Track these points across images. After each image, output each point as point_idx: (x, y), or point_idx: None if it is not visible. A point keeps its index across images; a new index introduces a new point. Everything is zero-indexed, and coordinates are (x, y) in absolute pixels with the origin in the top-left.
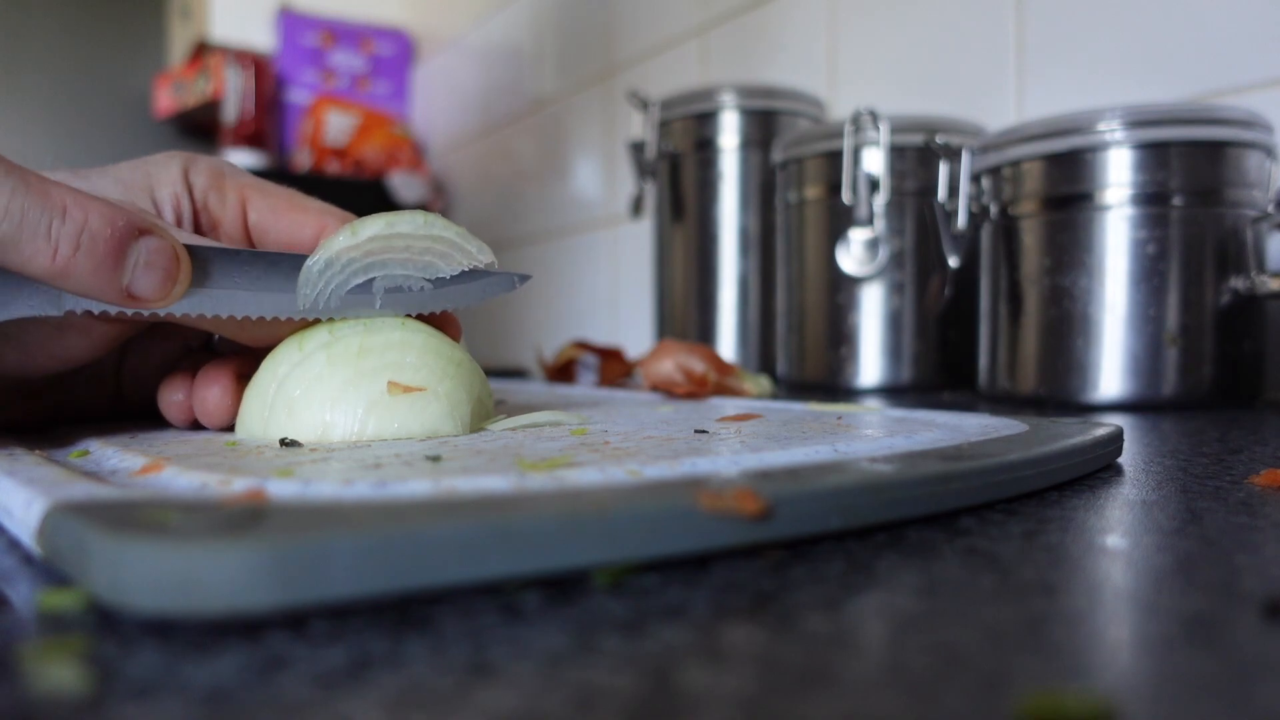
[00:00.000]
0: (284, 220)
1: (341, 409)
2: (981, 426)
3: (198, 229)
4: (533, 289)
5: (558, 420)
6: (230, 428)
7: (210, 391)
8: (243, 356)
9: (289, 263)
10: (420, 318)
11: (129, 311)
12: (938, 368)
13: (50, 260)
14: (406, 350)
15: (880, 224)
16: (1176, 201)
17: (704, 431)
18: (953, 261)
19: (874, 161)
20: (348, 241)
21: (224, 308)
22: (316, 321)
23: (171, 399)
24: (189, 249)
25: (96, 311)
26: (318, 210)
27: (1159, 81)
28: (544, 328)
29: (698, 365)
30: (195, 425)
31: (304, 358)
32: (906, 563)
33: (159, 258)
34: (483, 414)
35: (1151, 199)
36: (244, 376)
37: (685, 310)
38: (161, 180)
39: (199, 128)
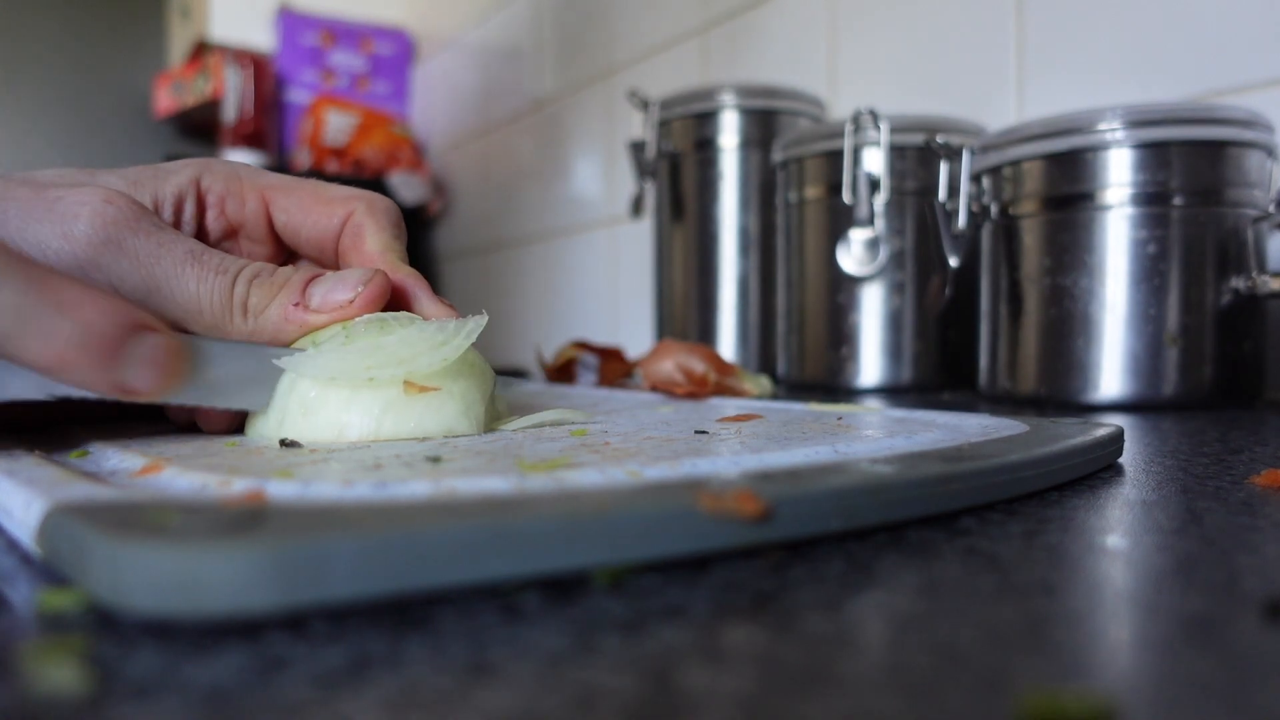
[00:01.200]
0: (311, 216)
1: (357, 409)
2: (982, 427)
3: (202, 233)
4: (533, 289)
5: (570, 419)
6: (229, 433)
7: None
8: None
9: (284, 357)
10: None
11: (123, 399)
12: (938, 368)
13: (49, 356)
14: (417, 346)
15: (880, 224)
16: (1177, 201)
17: (704, 432)
18: (953, 261)
19: (874, 161)
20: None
21: (210, 399)
22: None
23: None
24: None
25: (84, 398)
26: (342, 199)
27: (1159, 81)
28: (544, 328)
29: (698, 365)
30: (194, 426)
31: (318, 355)
32: (906, 563)
33: (157, 354)
34: (494, 414)
35: (1152, 199)
36: None
37: (685, 310)
38: (169, 181)
39: (199, 127)
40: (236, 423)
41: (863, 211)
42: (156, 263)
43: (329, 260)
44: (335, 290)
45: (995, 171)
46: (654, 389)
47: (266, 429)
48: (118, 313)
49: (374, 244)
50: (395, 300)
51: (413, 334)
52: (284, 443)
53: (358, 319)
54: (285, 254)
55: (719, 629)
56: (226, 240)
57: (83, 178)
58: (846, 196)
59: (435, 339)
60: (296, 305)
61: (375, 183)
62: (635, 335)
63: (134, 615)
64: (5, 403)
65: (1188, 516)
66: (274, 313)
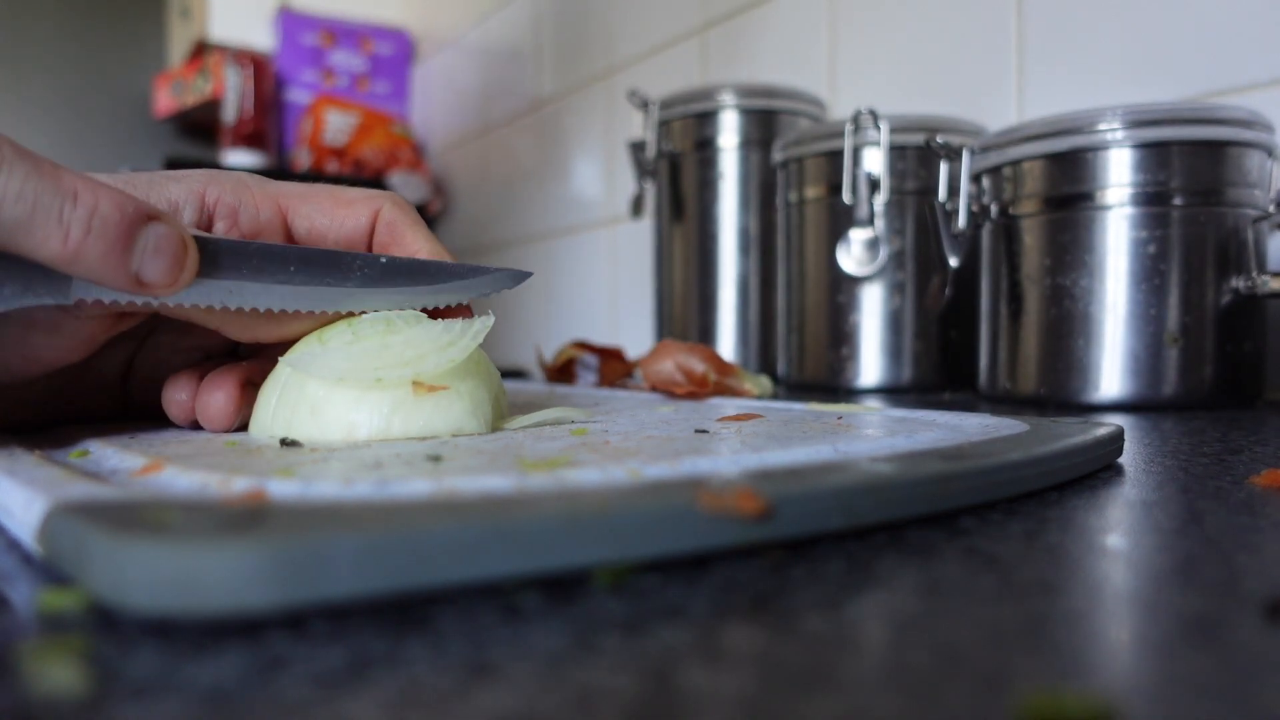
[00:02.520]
0: (336, 219)
1: (366, 409)
2: (982, 426)
3: None
4: (532, 289)
5: (574, 417)
6: (230, 432)
7: (214, 396)
8: (253, 363)
9: (296, 255)
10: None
11: (139, 301)
12: (938, 368)
13: (62, 244)
14: (424, 347)
15: (880, 224)
16: (1177, 201)
17: (704, 431)
18: (953, 261)
19: (874, 161)
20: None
21: (232, 299)
22: (324, 315)
23: (175, 398)
24: (197, 240)
25: (107, 300)
26: (364, 198)
27: (1159, 81)
28: (544, 328)
29: (698, 365)
30: (196, 425)
31: (326, 354)
32: (906, 563)
33: (167, 243)
34: (499, 413)
35: (1152, 199)
36: (252, 383)
37: (685, 310)
38: (166, 188)
39: (198, 127)
40: (239, 421)
41: (863, 211)
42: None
43: None
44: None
45: (995, 171)
46: (654, 389)
47: (274, 428)
48: (127, 201)
49: (418, 240)
50: None
51: (419, 334)
52: (284, 442)
53: (363, 317)
54: None
55: (719, 629)
56: None
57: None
58: (846, 196)
59: (442, 340)
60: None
61: (375, 183)
62: (635, 335)
63: (134, 614)
64: (23, 308)
65: (1188, 516)
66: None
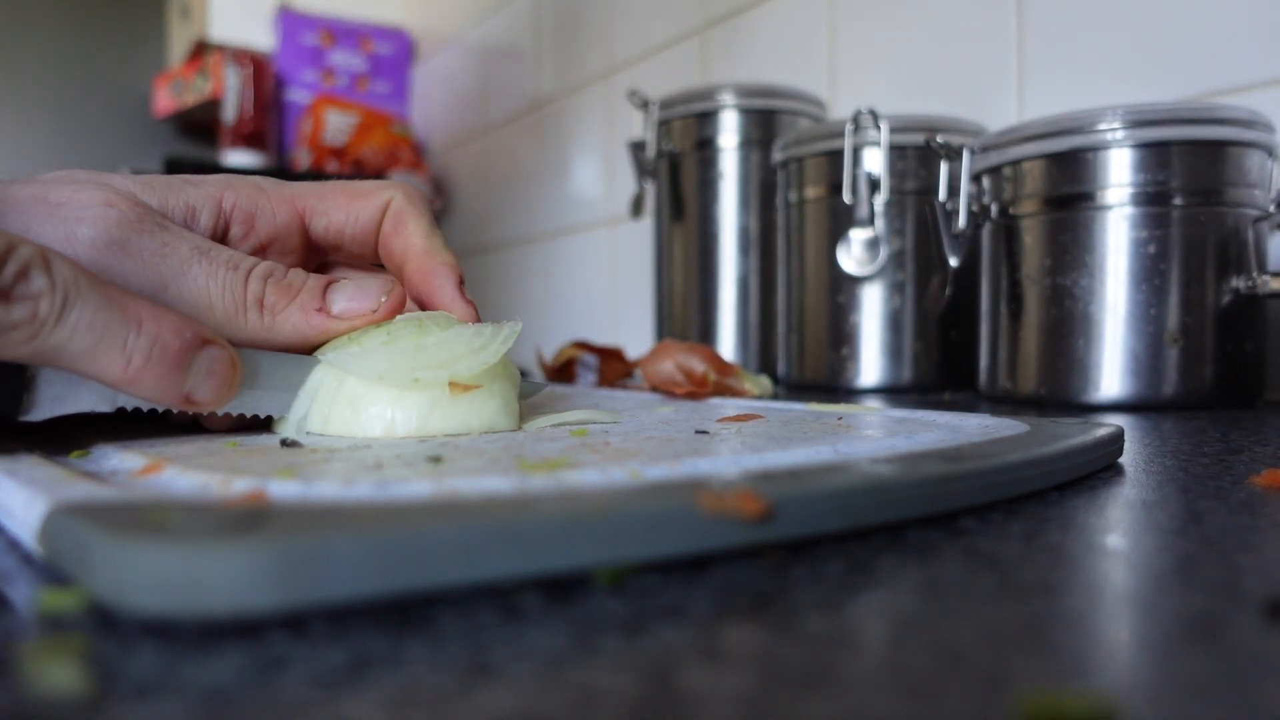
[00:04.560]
0: (351, 213)
1: (403, 406)
2: (982, 427)
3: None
4: (533, 289)
5: (595, 418)
6: (230, 432)
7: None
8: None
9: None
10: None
11: (175, 409)
12: (938, 368)
13: (123, 370)
14: (457, 349)
15: (880, 224)
16: (1177, 201)
17: (704, 432)
18: (953, 261)
19: (874, 161)
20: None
21: (264, 408)
22: None
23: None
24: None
25: (145, 409)
26: (376, 189)
27: (1159, 81)
28: (544, 328)
29: (698, 365)
30: (195, 426)
31: (364, 355)
32: (906, 563)
33: (219, 366)
34: (519, 413)
35: (1152, 199)
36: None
37: (685, 310)
38: (183, 192)
39: (198, 127)
40: (240, 422)
41: (863, 211)
42: (163, 260)
43: (369, 251)
44: (358, 299)
45: (995, 171)
46: (654, 389)
47: (310, 424)
48: (186, 328)
49: (417, 231)
50: (424, 290)
51: (451, 337)
52: (285, 442)
53: (396, 319)
54: (314, 264)
55: (719, 629)
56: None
57: (84, 176)
58: (846, 196)
59: (474, 343)
60: (319, 310)
61: None
62: (635, 335)
63: (135, 615)
64: (71, 415)
65: (1188, 516)
66: (294, 315)
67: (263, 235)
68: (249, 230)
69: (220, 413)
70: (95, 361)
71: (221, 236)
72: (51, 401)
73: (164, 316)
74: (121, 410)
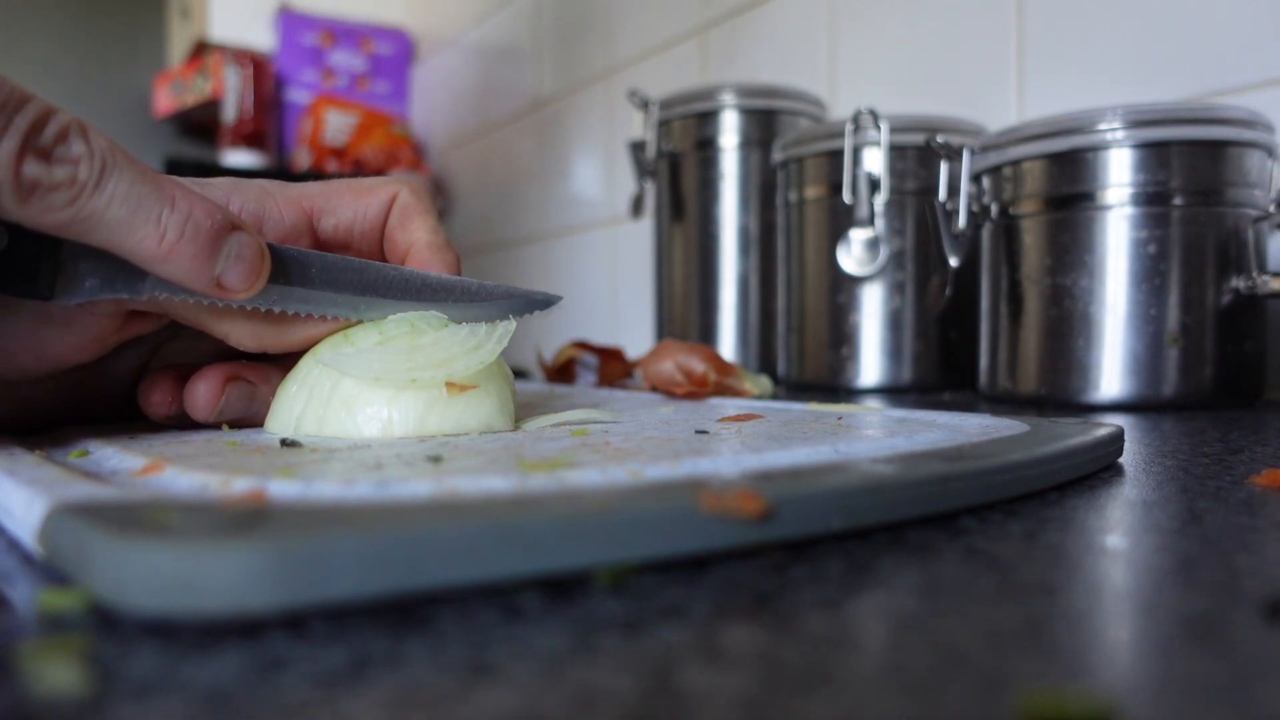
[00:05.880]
0: (359, 211)
1: (400, 406)
2: (982, 427)
3: None
4: (531, 289)
5: (594, 418)
6: (184, 420)
7: (198, 386)
8: (244, 362)
9: (346, 266)
10: None
11: (206, 300)
12: (938, 368)
13: (157, 245)
14: (453, 349)
15: (880, 224)
16: (1177, 201)
17: (705, 432)
18: (953, 261)
19: (874, 161)
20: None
21: (292, 304)
22: (336, 323)
23: (152, 397)
24: (270, 247)
25: (176, 299)
26: (382, 184)
27: (1159, 81)
28: (544, 328)
29: (698, 365)
30: (178, 422)
31: (359, 355)
32: (906, 563)
33: (248, 251)
34: (514, 413)
35: (1152, 199)
36: (240, 379)
37: (685, 310)
38: None
39: (198, 127)
40: (217, 411)
41: (863, 211)
42: None
43: (376, 248)
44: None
45: (995, 171)
46: (654, 389)
47: (303, 424)
48: (217, 210)
49: (423, 226)
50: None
51: (446, 337)
52: (285, 442)
53: (389, 319)
54: None
55: (719, 629)
56: None
57: None
58: (847, 196)
59: (469, 343)
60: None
61: None
62: (635, 335)
63: (134, 614)
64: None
65: (1188, 516)
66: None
67: (271, 238)
68: (259, 231)
69: (264, 308)
70: (132, 234)
71: None
72: (83, 286)
73: (196, 197)
74: (99, 300)
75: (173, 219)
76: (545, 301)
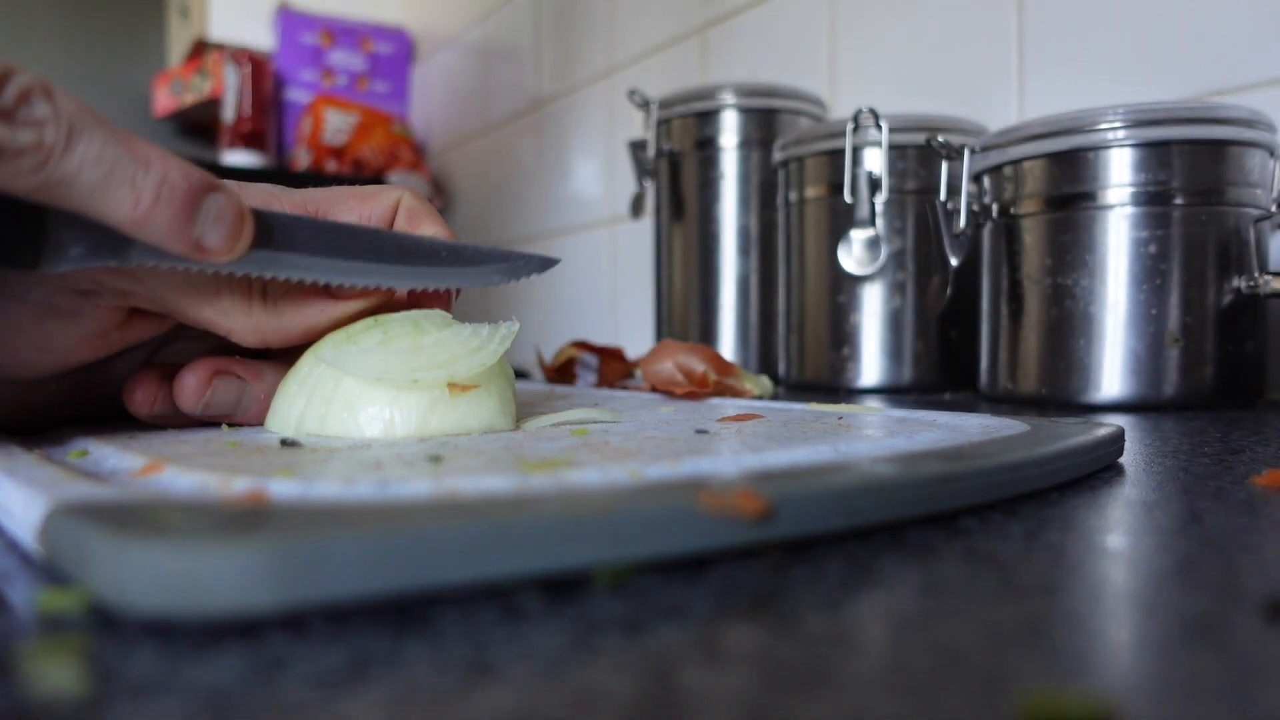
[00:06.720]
0: (364, 211)
1: (402, 406)
2: (982, 427)
3: None
4: (532, 289)
5: (594, 418)
6: (173, 415)
7: (186, 378)
8: (233, 357)
9: (341, 231)
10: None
11: (194, 267)
12: (938, 368)
13: (133, 208)
14: (456, 350)
15: (881, 224)
16: (1178, 201)
17: (705, 432)
18: (953, 261)
19: (875, 161)
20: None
21: (282, 269)
22: (337, 317)
23: (136, 395)
24: (254, 211)
25: (164, 266)
26: (385, 189)
27: (1160, 81)
28: (543, 328)
29: (698, 365)
30: (169, 421)
31: (361, 355)
32: (906, 563)
33: (227, 212)
34: (515, 413)
35: (1153, 198)
36: (228, 373)
37: (685, 310)
38: None
39: (198, 127)
40: (203, 404)
41: (863, 211)
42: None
43: None
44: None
45: (996, 171)
46: (654, 389)
47: (305, 423)
48: (193, 171)
49: (431, 229)
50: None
51: (449, 337)
52: (284, 442)
53: (392, 318)
54: None
55: (719, 629)
56: None
57: None
58: (847, 196)
59: (472, 343)
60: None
61: (375, 183)
62: (635, 335)
63: (134, 614)
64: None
65: (1188, 516)
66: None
67: None
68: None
69: (254, 274)
70: (106, 198)
71: None
72: (69, 254)
73: (170, 158)
74: (102, 287)
75: (148, 181)
76: (543, 264)
